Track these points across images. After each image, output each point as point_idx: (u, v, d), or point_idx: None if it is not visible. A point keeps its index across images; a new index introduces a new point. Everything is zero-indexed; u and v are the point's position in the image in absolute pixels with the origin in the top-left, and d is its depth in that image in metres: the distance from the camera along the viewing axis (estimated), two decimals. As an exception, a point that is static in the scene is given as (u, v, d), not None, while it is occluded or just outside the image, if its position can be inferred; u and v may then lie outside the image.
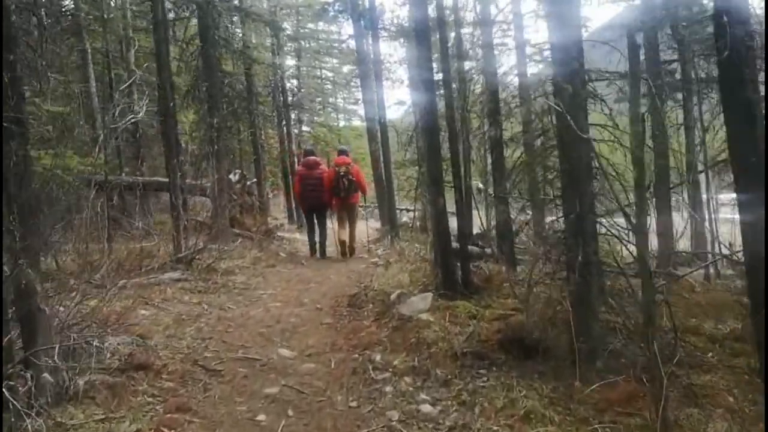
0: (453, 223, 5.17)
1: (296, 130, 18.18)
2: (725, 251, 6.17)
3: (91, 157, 6.83)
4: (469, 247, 5.26)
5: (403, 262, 6.49)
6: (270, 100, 15.55)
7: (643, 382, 2.77)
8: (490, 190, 7.47)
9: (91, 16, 10.69)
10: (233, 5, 10.59)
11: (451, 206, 5.15)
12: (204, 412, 2.95)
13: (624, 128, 3.51)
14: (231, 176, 9.88)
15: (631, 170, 3.45)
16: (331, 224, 8.87)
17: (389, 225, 9.79)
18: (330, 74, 21.81)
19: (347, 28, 18.07)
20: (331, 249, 8.84)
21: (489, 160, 7.26)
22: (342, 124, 23.73)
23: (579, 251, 3.11)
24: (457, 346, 3.47)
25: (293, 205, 14.82)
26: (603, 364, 3.05)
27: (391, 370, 3.39)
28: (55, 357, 2.79)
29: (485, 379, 3.13)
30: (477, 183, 8.76)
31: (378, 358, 3.59)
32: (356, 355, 3.73)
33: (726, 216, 6.86)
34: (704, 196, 7.10)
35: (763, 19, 3.32)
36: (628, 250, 3.50)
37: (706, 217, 6.88)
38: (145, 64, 11.10)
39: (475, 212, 7.22)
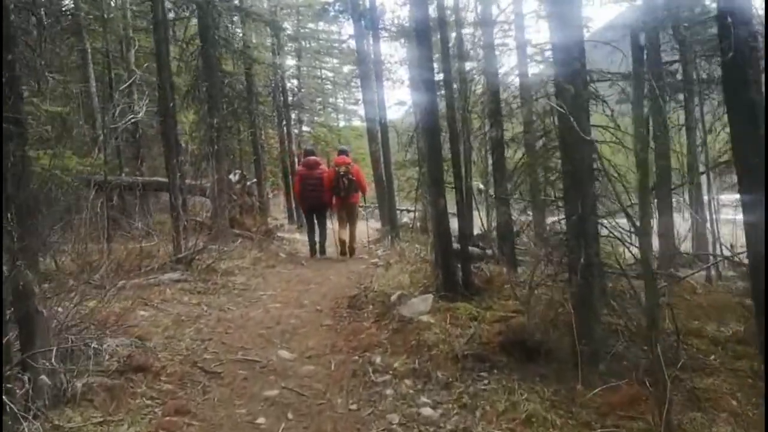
0: (453, 223, 5.15)
1: (296, 131, 18.15)
2: (726, 252, 6.15)
3: (90, 157, 6.81)
4: (470, 248, 5.24)
5: (404, 263, 6.46)
6: (270, 100, 15.52)
7: (646, 385, 2.75)
8: (491, 191, 7.45)
9: (91, 16, 10.66)
10: (233, 5, 10.56)
11: (451, 207, 5.13)
12: (203, 415, 2.93)
13: (625, 129, 3.49)
14: (231, 176, 9.86)
15: (633, 172, 3.45)
16: (331, 224, 8.84)
17: (389, 225, 9.77)
18: (330, 74, 21.80)
19: (348, 28, 18.05)
20: (331, 249, 8.82)
21: (490, 161, 7.24)
22: (342, 124, 23.72)
23: (581, 253, 3.08)
24: (458, 348, 3.44)
25: (293, 206, 14.80)
26: (605, 367, 3.03)
27: (391, 372, 3.37)
28: (53, 359, 2.76)
29: (486, 381, 3.10)
30: (477, 184, 8.74)
31: (378, 360, 3.56)
32: (356, 357, 3.70)
33: (727, 217, 6.84)
34: (705, 197, 7.09)
35: (763, 20, 3.30)
36: (630, 251, 3.49)
37: (708, 218, 6.86)
38: (145, 64, 11.08)
39: (475, 213, 7.19)
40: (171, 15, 9.47)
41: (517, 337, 3.39)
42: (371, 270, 6.82)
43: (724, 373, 3.15)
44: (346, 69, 20.79)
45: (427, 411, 2.87)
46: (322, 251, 8.62)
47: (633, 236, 3.18)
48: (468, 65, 7.86)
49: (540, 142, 4.35)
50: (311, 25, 18.77)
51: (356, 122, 22.58)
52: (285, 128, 16.01)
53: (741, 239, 6.16)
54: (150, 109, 9.96)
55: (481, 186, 9.19)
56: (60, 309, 3.48)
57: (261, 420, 2.89)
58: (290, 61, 18.33)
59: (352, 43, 14.97)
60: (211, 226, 8.39)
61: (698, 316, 4.22)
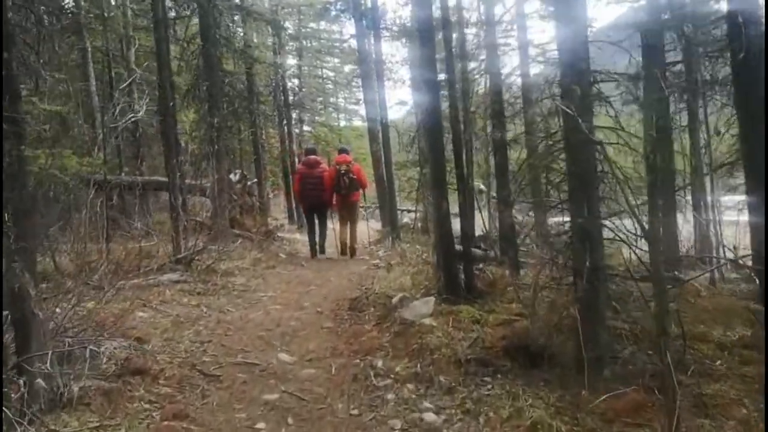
0: (454, 225, 5.10)
1: (297, 130, 18.12)
2: (730, 255, 6.09)
3: (90, 157, 6.77)
4: (472, 249, 5.19)
5: (405, 265, 6.42)
6: (271, 99, 15.48)
7: (653, 391, 2.71)
8: (493, 193, 7.40)
9: (91, 15, 10.62)
10: (234, 4, 10.51)
11: (452, 208, 5.07)
12: (202, 420, 2.88)
13: (630, 130, 3.44)
14: (231, 176, 9.82)
15: (638, 173, 3.39)
16: (332, 224, 8.80)
17: (390, 226, 9.73)
18: (331, 74, 21.76)
19: (349, 27, 18.08)
20: (331, 250, 8.77)
21: (492, 162, 7.19)
22: (343, 124, 23.68)
23: (586, 256, 3.03)
24: (460, 352, 3.39)
25: (293, 206, 14.77)
26: (610, 373, 2.98)
27: (393, 376, 3.32)
28: (49, 363, 2.71)
29: (490, 387, 3.05)
30: (478, 185, 8.70)
31: (380, 363, 3.51)
32: (357, 361, 3.65)
33: (730, 218, 6.79)
34: (709, 199, 7.03)
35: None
36: (635, 254, 3.43)
37: (711, 219, 6.80)
38: (146, 63, 11.04)
39: (476, 214, 7.15)
40: (171, 14, 9.44)
41: (520, 341, 3.34)
42: (372, 271, 6.78)
43: (732, 379, 3.09)
44: (347, 68, 20.77)
45: (429, 416, 2.82)
46: (322, 251, 8.58)
47: (638, 239, 3.13)
48: (470, 65, 7.81)
49: (544, 144, 4.29)
50: (312, 25, 18.73)
51: (357, 122, 22.56)
52: (286, 128, 15.98)
53: (744, 241, 6.13)
54: (150, 108, 9.92)
55: (482, 187, 9.15)
56: (58, 310, 3.44)
57: (261, 425, 2.84)
58: (291, 61, 18.32)
59: (354, 43, 14.95)
60: (211, 227, 8.35)
61: (704, 319, 4.16)
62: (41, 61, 4.80)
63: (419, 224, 10.62)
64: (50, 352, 2.76)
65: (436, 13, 5.41)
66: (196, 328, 4.38)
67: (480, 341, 3.53)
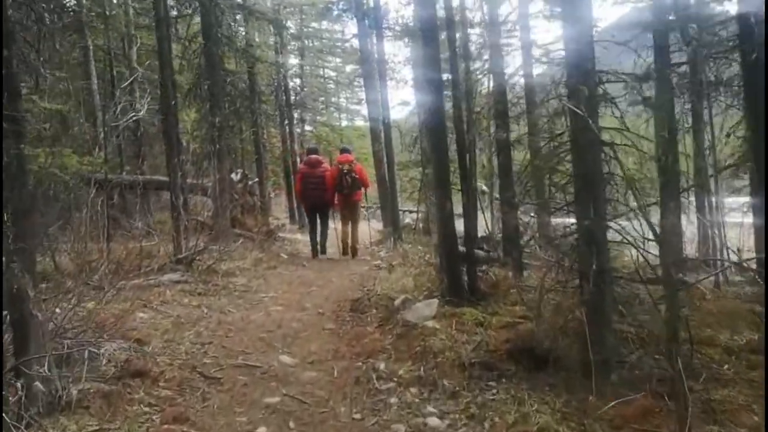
0: (457, 225, 5.06)
1: (299, 130, 18.08)
2: (734, 257, 6.04)
3: (91, 156, 6.73)
4: (475, 251, 5.14)
5: (407, 266, 6.37)
6: (273, 99, 15.45)
7: (661, 397, 2.66)
8: (496, 194, 7.35)
9: (93, 13, 10.61)
10: (236, 3, 10.47)
11: (453, 208, 5.02)
12: (202, 423, 2.84)
13: (636, 131, 3.39)
14: (233, 176, 9.78)
15: (644, 175, 3.35)
16: (334, 224, 8.76)
17: (392, 227, 9.68)
18: (333, 73, 21.74)
19: (351, 27, 18.06)
20: (332, 250, 8.74)
21: (495, 162, 7.15)
22: (345, 123, 23.66)
23: (593, 259, 2.99)
24: (464, 355, 3.35)
25: (295, 205, 14.73)
26: (617, 377, 2.94)
27: (396, 379, 3.28)
28: (47, 366, 2.67)
29: (494, 391, 3.01)
30: (481, 185, 8.66)
31: (382, 366, 3.47)
32: (359, 364, 3.61)
33: (734, 220, 6.74)
34: (713, 200, 6.98)
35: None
36: (643, 256, 3.39)
37: (715, 221, 6.75)
38: (147, 62, 11.01)
39: (478, 215, 7.10)
40: (173, 12, 9.41)
41: (525, 344, 3.29)
42: (374, 272, 6.73)
43: (740, 384, 3.04)
44: (349, 68, 20.75)
45: (433, 421, 2.77)
46: (324, 251, 8.54)
47: (646, 242, 3.09)
48: (473, 65, 7.77)
49: (549, 145, 4.25)
50: (314, 24, 18.72)
51: (359, 122, 22.52)
52: (287, 127, 15.95)
53: (747, 243, 6.08)
54: (151, 107, 9.90)
55: (485, 188, 9.11)
56: (57, 310, 3.40)
57: (262, 429, 2.80)
58: (293, 60, 18.28)
59: (356, 42, 14.89)
60: (212, 226, 8.31)
61: (710, 323, 4.11)
62: (42, 59, 4.76)
63: (421, 225, 10.58)
64: (49, 355, 2.72)
65: (440, 12, 5.37)
66: (197, 329, 4.34)
67: (484, 344, 3.49)
